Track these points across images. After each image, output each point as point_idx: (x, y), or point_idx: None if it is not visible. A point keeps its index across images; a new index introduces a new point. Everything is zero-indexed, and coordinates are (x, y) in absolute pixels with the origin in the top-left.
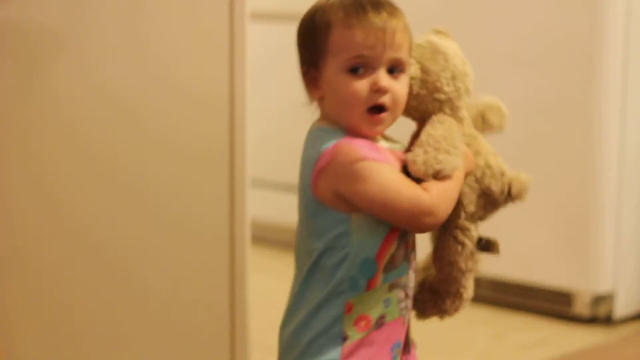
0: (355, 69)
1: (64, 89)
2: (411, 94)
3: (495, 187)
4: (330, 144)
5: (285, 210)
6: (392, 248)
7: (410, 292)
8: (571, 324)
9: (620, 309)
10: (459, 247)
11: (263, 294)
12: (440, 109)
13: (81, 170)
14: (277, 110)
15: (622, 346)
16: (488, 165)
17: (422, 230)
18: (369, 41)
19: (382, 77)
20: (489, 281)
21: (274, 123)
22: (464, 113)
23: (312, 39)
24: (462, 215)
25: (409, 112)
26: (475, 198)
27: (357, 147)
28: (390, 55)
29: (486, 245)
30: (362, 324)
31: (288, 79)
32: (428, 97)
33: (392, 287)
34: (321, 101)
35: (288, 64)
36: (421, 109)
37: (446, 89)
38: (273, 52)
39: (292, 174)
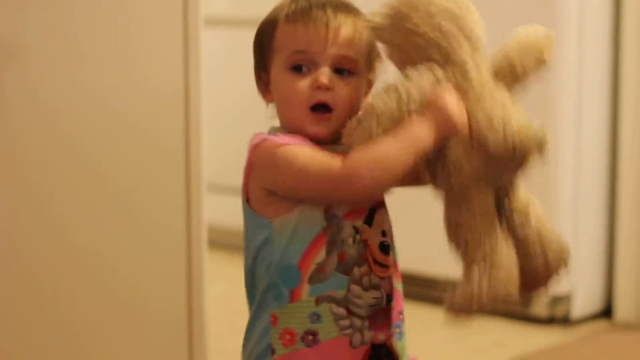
0: (298, 67)
1: (15, 97)
2: (389, 44)
3: (492, 139)
4: (256, 141)
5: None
6: (318, 256)
7: (365, 312)
8: (529, 325)
9: (578, 310)
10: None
11: (221, 299)
12: (430, 58)
13: (27, 179)
14: (233, 115)
15: (580, 346)
16: (488, 116)
17: (342, 202)
18: (309, 35)
19: (323, 74)
20: (448, 283)
21: (229, 127)
22: (471, 64)
23: (261, 40)
24: (458, 175)
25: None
26: (471, 155)
27: (277, 138)
28: (333, 51)
29: None
30: (287, 338)
31: (243, 84)
32: (406, 44)
33: (320, 300)
34: (274, 105)
35: (243, 69)
36: (407, 59)
37: (421, 29)
38: (228, 57)
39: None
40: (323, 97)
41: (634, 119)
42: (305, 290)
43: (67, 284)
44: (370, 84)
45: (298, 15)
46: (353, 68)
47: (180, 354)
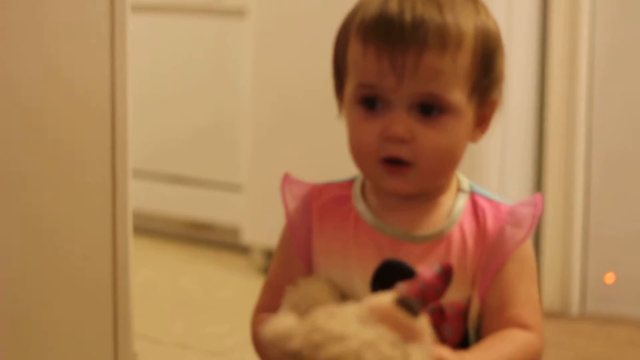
0: (370, 102)
1: None
2: None
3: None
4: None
5: (167, 200)
6: None
7: None
8: None
9: None
10: None
11: (146, 285)
12: None
13: None
14: (162, 101)
15: None
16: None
17: None
18: (380, 65)
19: (397, 121)
20: None
21: (157, 114)
22: None
23: (337, 48)
24: None
25: None
26: None
27: (298, 195)
28: (412, 88)
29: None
30: None
31: (173, 71)
32: None
33: None
34: None
35: (172, 55)
36: None
37: None
38: (157, 43)
39: (174, 164)
40: (395, 151)
41: (561, 128)
42: None
43: None
44: (492, 107)
45: (369, 31)
46: (443, 105)
47: (105, 339)
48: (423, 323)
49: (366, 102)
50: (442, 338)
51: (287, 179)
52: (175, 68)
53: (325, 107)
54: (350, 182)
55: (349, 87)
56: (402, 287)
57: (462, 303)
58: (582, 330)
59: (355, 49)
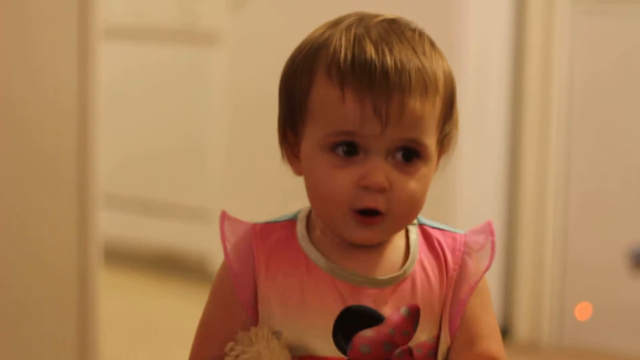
0: (345, 149)
1: None
2: None
3: None
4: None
5: (141, 229)
6: None
7: None
8: None
9: None
10: None
11: (117, 314)
12: None
13: None
14: (132, 125)
15: None
16: None
17: None
18: (362, 112)
19: (377, 169)
20: None
21: (126, 138)
22: None
23: (293, 89)
24: None
25: None
26: None
27: (239, 237)
28: (395, 134)
29: None
30: None
31: (146, 96)
32: None
33: None
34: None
35: (146, 81)
36: None
37: None
38: (131, 69)
39: (147, 190)
40: (373, 202)
41: (536, 136)
42: None
43: None
44: (445, 151)
45: (347, 75)
46: (422, 151)
47: None
48: None
49: (340, 149)
50: None
51: (224, 218)
52: (146, 93)
53: None
54: (292, 222)
55: (316, 133)
56: (371, 332)
57: (429, 343)
58: None
59: (326, 94)
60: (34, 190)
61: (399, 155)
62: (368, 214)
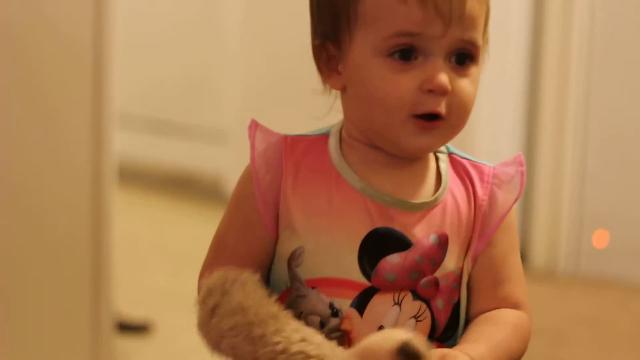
0: (403, 54)
1: None
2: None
3: None
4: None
5: (156, 149)
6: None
7: None
8: None
9: None
10: None
11: (129, 234)
12: None
13: None
14: (148, 46)
15: None
16: None
17: None
18: (425, 12)
19: (440, 70)
20: None
21: (143, 58)
22: None
23: None
24: None
25: None
26: None
27: (268, 142)
28: (456, 34)
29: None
30: None
31: (164, 26)
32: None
33: None
34: (343, 93)
35: (164, 11)
36: None
37: None
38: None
39: (162, 109)
40: (435, 106)
41: (555, 81)
42: None
43: None
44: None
45: None
46: (476, 53)
47: (84, 289)
48: None
49: (395, 55)
50: (434, 313)
51: (256, 126)
52: (162, 13)
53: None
54: (324, 136)
55: (370, 38)
56: (397, 259)
57: (455, 274)
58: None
59: None
60: (49, 108)
61: (453, 58)
62: (430, 119)
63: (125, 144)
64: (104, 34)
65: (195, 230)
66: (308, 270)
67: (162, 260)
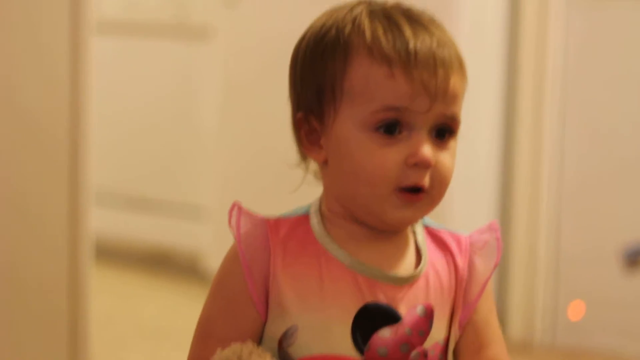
0: (387, 128)
1: None
2: None
3: None
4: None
5: (132, 227)
6: None
7: None
8: None
9: None
10: None
11: (107, 313)
12: None
13: None
14: (127, 125)
15: None
16: None
17: None
18: (412, 87)
19: (425, 144)
20: None
21: (120, 136)
22: None
23: (318, 72)
24: None
25: None
26: None
27: (253, 227)
28: (440, 110)
29: None
30: None
31: (138, 92)
32: None
33: None
34: (323, 167)
35: (138, 77)
36: None
37: None
38: (123, 64)
39: (139, 186)
40: (419, 179)
41: (529, 130)
42: None
43: None
44: None
45: (392, 54)
46: (456, 127)
47: None
48: None
49: (385, 127)
50: None
51: (237, 209)
52: (138, 89)
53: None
54: (305, 217)
55: (356, 113)
56: (389, 333)
57: (440, 345)
58: None
59: (370, 72)
60: (26, 187)
61: (434, 133)
62: (413, 192)
63: (102, 221)
64: (80, 113)
65: (174, 307)
66: (300, 349)
67: (140, 338)
